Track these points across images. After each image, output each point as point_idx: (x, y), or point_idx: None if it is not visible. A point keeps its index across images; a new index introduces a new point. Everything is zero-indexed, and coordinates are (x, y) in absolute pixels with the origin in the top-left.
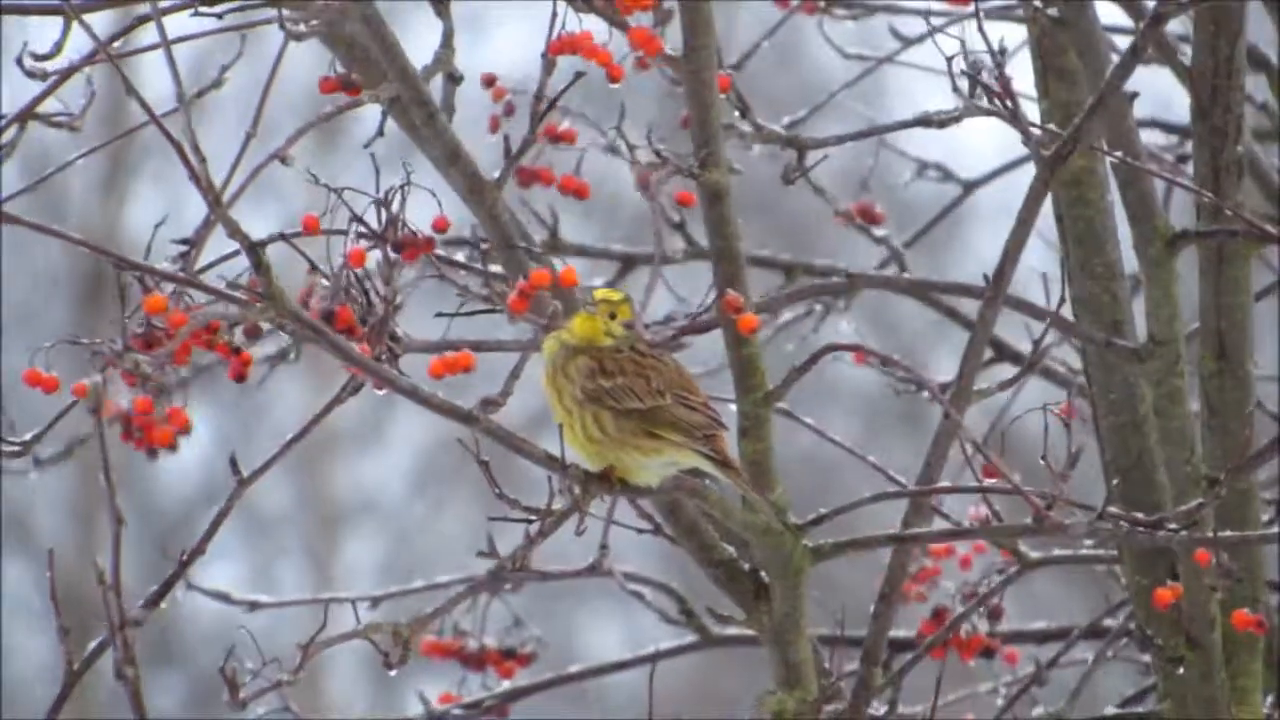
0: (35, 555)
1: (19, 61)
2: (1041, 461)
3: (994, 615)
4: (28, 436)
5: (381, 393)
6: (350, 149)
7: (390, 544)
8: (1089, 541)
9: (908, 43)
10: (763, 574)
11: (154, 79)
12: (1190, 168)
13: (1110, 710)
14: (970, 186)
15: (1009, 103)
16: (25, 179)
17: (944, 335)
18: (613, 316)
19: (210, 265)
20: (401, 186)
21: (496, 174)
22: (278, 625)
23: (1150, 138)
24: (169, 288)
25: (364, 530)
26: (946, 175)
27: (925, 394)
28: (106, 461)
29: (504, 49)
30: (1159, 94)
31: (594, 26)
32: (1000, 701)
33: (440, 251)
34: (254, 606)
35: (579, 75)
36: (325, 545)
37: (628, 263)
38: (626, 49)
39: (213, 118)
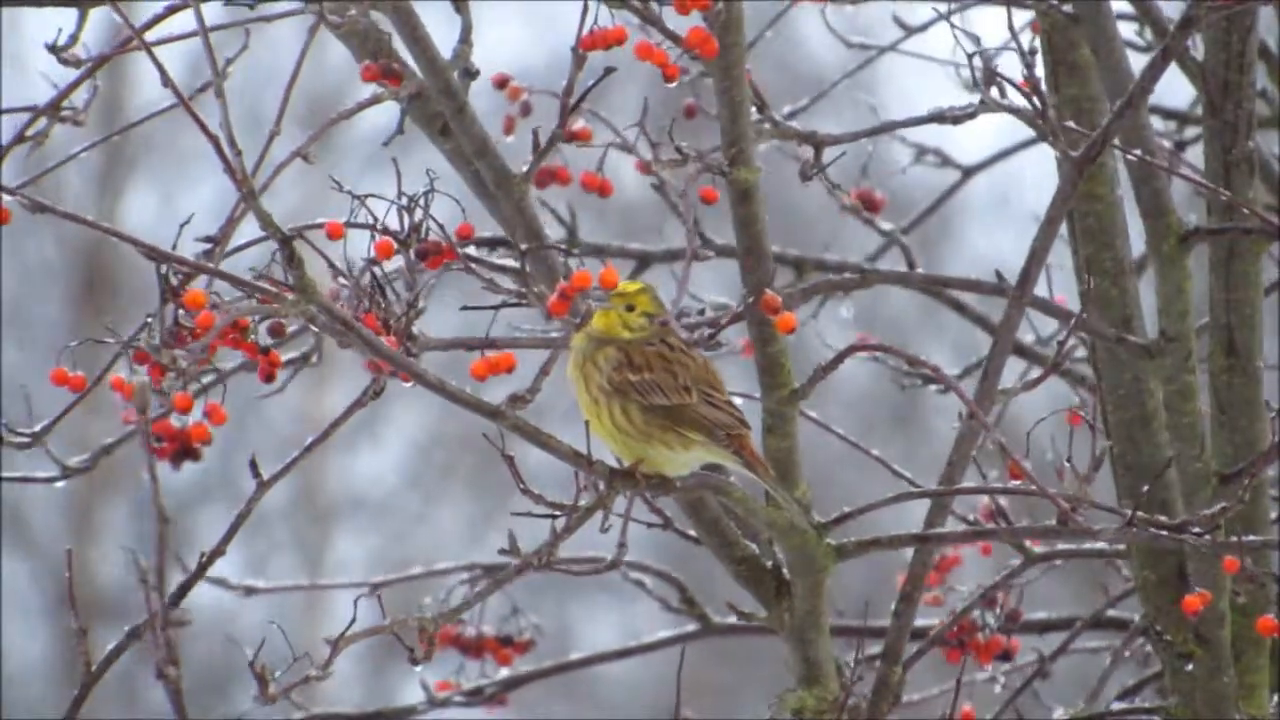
0: (31, 553)
1: (51, 49)
2: (1067, 463)
3: (1011, 619)
4: (37, 428)
5: (407, 385)
6: (348, 144)
7: (383, 539)
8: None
9: (909, 31)
10: (785, 571)
11: (151, 76)
12: (1190, 154)
13: (1116, 705)
14: (969, 171)
15: (1037, 101)
16: (19, 174)
17: (937, 326)
18: (630, 309)
19: (229, 254)
20: (425, 193)
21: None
22: (271, 620)
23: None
24: (202, 281)
25: (357, 525)
26: (945, 160)
27: (932, 389)
28: (152, 460)
29: (497, 47)
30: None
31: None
32: (999, 690)
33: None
34: (249, 592)
35: (609, 71)
36: (318, 540)
37: (644, 261)
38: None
39: (204, 113)
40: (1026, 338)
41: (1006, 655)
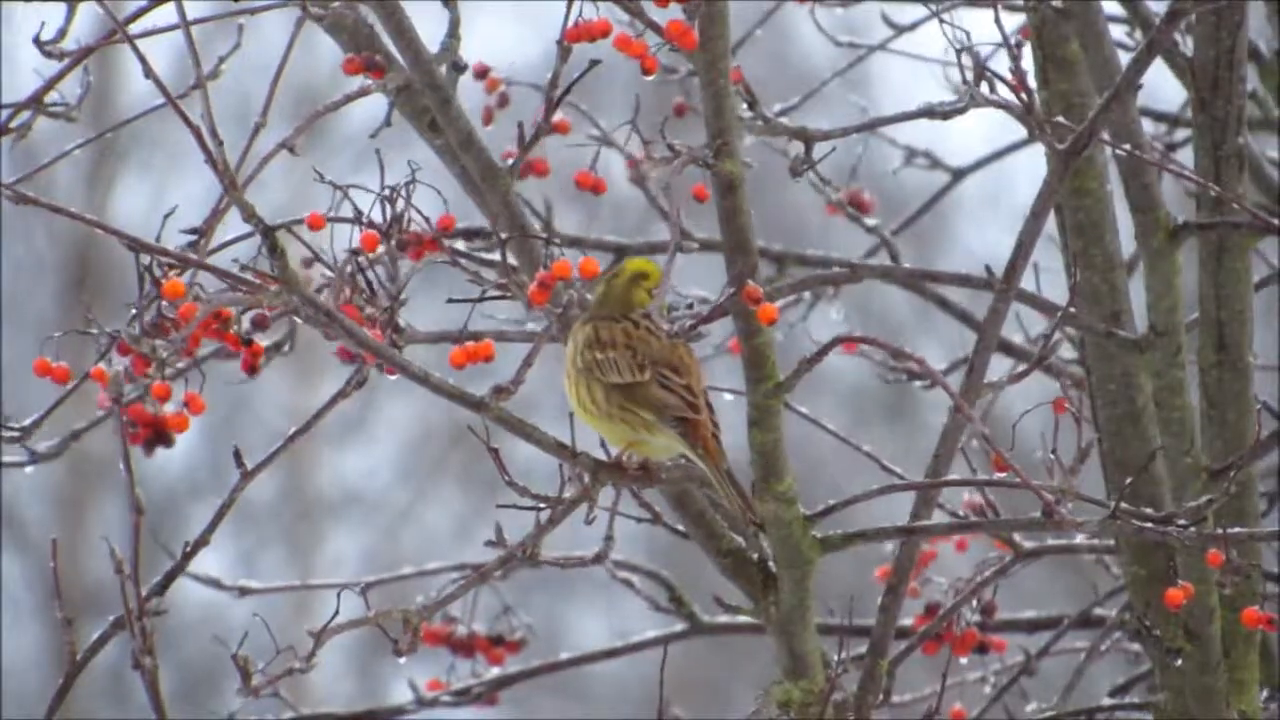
0: (24, 549)
1: (36, 42)
2: (1051, 455)
3: (987, 611)
4: (26, 422)
5: (393, 378)
6: (338, 139)
7: (373, 535)
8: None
9: (899, 30)
10: (771, 564)
11: (141, 70)
12: (1180, 156)
13: (1105, 701)
14: (960, 174)
15: (1024, 96)
16: (10, 168)
17: (929, 323)
18: (616, 278)
19: (214, 250)
20: (407, 184)
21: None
22: (261, 615)
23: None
24: (185, 273)
25: (347, 521)
26: (935, 163)
27: (917, 384)
28: (126, 449)
29: (486, 42)
30: (1147, 82)
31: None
32: (988, 690)
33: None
34: (243, 592)
35: (594, 64)
36: (308, 536)
37: (622, 253)
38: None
39: (190, 107)
40: (1016, 338)
41: (983, 648)
